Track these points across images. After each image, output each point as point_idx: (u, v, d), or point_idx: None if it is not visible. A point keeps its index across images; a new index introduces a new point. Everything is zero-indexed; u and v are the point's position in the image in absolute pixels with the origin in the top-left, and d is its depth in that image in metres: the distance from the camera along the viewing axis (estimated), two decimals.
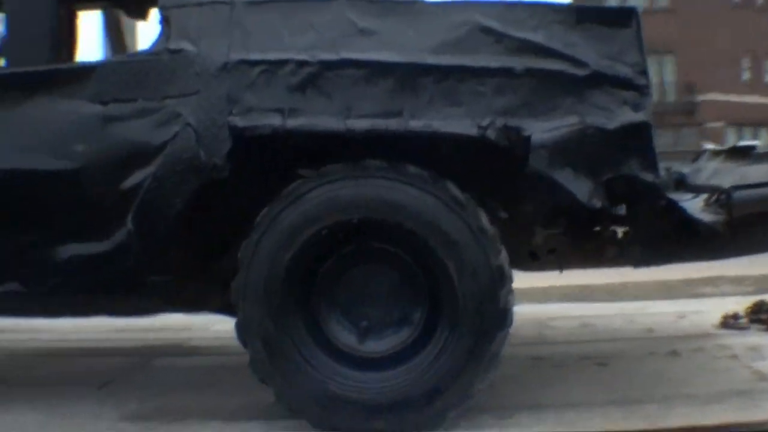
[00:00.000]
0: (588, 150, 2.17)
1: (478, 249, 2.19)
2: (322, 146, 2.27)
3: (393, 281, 2.32)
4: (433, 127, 2.18)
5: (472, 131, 2.16)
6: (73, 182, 2.31)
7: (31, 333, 3.93)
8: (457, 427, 2.25)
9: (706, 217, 2.30)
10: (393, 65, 2.22)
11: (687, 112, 28.04)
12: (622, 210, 2.26)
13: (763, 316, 3.37)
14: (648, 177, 2.17)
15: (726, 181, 2.61)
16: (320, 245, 2.26)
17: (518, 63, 2.20)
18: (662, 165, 2.36)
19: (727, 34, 27.24)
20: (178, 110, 2.25)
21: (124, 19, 3.29)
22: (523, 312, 4.26)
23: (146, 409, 2.62)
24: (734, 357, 2.91)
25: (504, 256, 2.23)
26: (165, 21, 2.35)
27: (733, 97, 27.95)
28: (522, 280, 4.31)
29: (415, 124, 2.18)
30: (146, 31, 3.21)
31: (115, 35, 3.28)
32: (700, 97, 28.29)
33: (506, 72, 2.20)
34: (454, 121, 2.18)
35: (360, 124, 2.20)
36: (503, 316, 2.20)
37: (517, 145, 2.16)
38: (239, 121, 2.22)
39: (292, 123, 2.21)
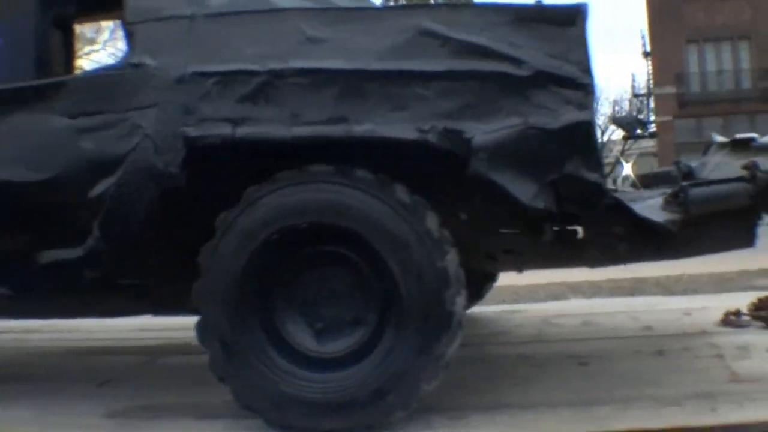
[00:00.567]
0: (531, 151, 2.07)
1: (422, 252, 2.13)
2: (281, 153, 2.26)
3: (347, 283, 2.28)
4: (375, 132, 2.13)
5: (414, 135, 2.10)
6: (47, 192, 2.36)
7: (38, 333, 4.02)
8: (407, 428, 2.18)
9: (660, 216, 2.17)
10: (339, 72, 2.17)
11: (763, 99, 26.79)
12: (571, 210, 2.16)
13: (764, 313, 3.16)
14: (592, 176, 2.06)
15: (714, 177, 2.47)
16: (274, 249, 2.24)
17: (461, 66, 2.13)
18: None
19: None
20: (138, 122, 2.26)
21: None
22: (538, 309, 4.24)
23: (134, 406, 2.62)
24: (719, 357, 2.73)
25: (451, 259, 2.16)
26: (130, 36, 2.38)
27: None
28: (573, 274, 4.26)
29: (358, 130, 2.14)
30: None
31: None
32: None
33: (449, 75, 2.13)
34: (397, 126, 2.12)
35: (305, 131, 2.16)
36: (449, 318, 2.13)
37: (459, 147, 2.09)
38: (192, 131, 2.22)
39: (241, 132, 2.19)
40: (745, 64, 27.78)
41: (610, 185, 3.37)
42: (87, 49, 21.44)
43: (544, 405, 2.33)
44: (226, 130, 2.19)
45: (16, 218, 2.42)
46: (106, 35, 22.28)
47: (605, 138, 35.37)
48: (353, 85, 2.16)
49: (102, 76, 2.40)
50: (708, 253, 2.45)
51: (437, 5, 2.26)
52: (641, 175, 2.92)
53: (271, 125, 2.18)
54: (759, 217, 2.27)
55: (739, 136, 2.88)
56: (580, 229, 2.34)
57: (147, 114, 2.26)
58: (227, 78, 2.23)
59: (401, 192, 2.16)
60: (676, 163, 3.03)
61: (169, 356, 3.52)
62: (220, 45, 2.28)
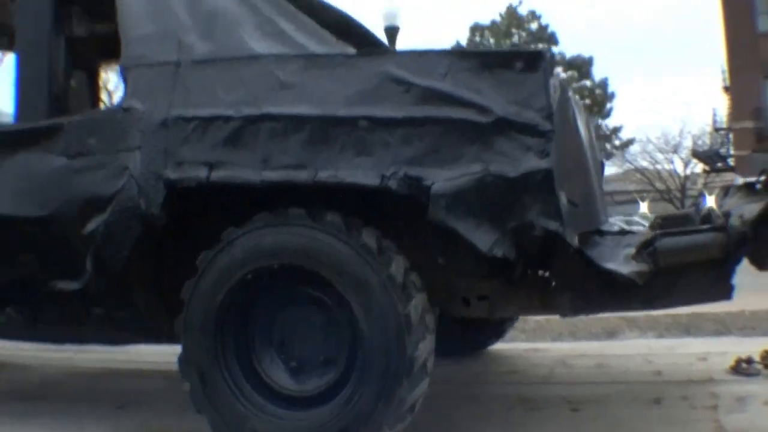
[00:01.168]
0: (491, 198, 1.97)
1: (385, 296, 2.05)
2: (261, 195, 2.23)
3: (320, 324, 2.22)
4: (338, 177, 2.07)
5: (375, 181, 2.04)
6: (49, 227, 2.41)
7: (60, 352, 3.99)
8: None
9: (630, 266, 2.02)
10: (307, 118, 2.13)
11: None
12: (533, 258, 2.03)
13: None
14: (552, 225, 1.94)
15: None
16: (249, 288, 2.21)
17: (424, 112, 2.05)
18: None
19: None
20: (125, 163, 2.28)
21: None
22: (560, 348, 4.04)
23: (146, 430, 2.65)
24: (712, 408, 2.51)
25: (415, 304, 2.07)
26: (125, 80, 2.41)
27: None
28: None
29: (323, 175, 2.09)
30: None
31: None
32: None
33: (413, 121, 2.05)
34: (360, 172, 2.06)
35: (274, 176, 2.13)
36: (410, 364, 2.03)
37: (419, 194, 2.00)
38: (171, 174, 2.22)
39: (216, 175, 2.18)
40: None
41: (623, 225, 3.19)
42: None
43: None
44: (202, 173, 2.19)
45: (25, 250, 2.47)
46: None
47: (688, 171, 34.05)
48: (321, 130, 2.12)
49: (96, 118, 2.44)
50: (683, 305, 2.27)
51: (403, 51, 2.19)
52: (661, 216, 2.72)
53: (243, 169, 2.16)
54: (734, 268, 2.08)
55: (748, 179, 2.67)
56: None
57: (133, 156, 2.28)
58: (206, 123, 2.22)
59: (368, 236, 2.09)
60: (696, 205, 2.84)
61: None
62: (201, 90, 2.28)
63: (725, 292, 2.11)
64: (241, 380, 2.22)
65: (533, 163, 1.95)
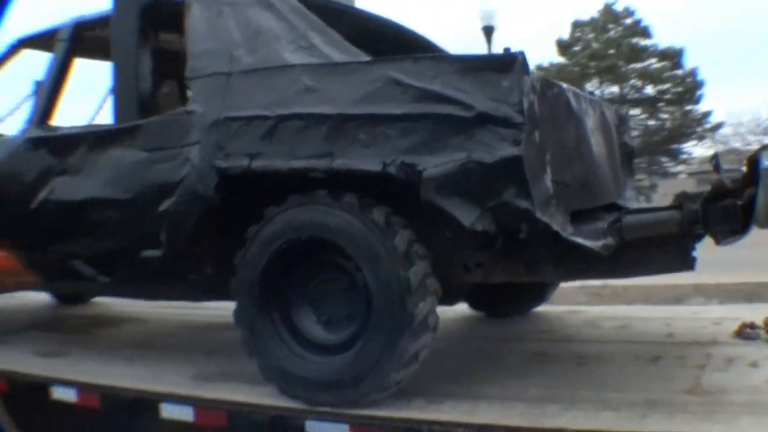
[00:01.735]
0: (472, 181, 2.20)
1: (389, 264, 2.33)
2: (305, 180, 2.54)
3: (343, 286, 2.52)
4: (349, 165, 2.36)
5: (378, 168, 2.31)
6: (134, 207, 2.85)
7: (170, 308, 4.46)
8: (388, 405, 2.40)
9: (599, 240, 2.20)
10: (327, 116, 2.43)
11: None
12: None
13: None
14: (523, 204, 2.15)
15: None
16: (285, 255, 2.55)
17: (418, 109, 2.30)
18: None
19: None
20: (188, 156, 2.67)
21: None
22: (597, 311, 4.17)
23: (219, 372, 3.00)
24: (700, 367, 2.62)
25: (416, 270, 2.33)
26: (190, 88, 2.80)
27: None
28: (703, 277, 4.13)
29: (336, 163, 2.38)
30: None
31: None
32: None
33: (409, 117, 2.31)
34: (367, 160, 2.34)
35: (299, 164, 2.45)
36: (411, 319, 2.31)
37: (413, 178, 2.27)
38: (222, 163, 2.58)
39: (255, 164, 2.52)
40: None
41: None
42: None
43: (509, 398, 2.43)
44: (244, 162, 2.53)
45: (119, 226, 2.93)
46: None
47: None
48: (336, 126, 2.40)
49: (168, 120, 2.82)
50: (651, 274, 2.40)
51: (402, 57, 2.43)
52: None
53: (275, 159, 2.49)
54: (694, 243, 2.21)
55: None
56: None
57: (194, 149, 2.66)
58: (248, 121, 2.56)
59: (378, 214, 2.37)
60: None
61: None
62: (245, 95, 2.61)
63: (687, 263, 2.24)
64: (282, 330, 2.56)
65: (507, 150, 2.16)
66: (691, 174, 28.56)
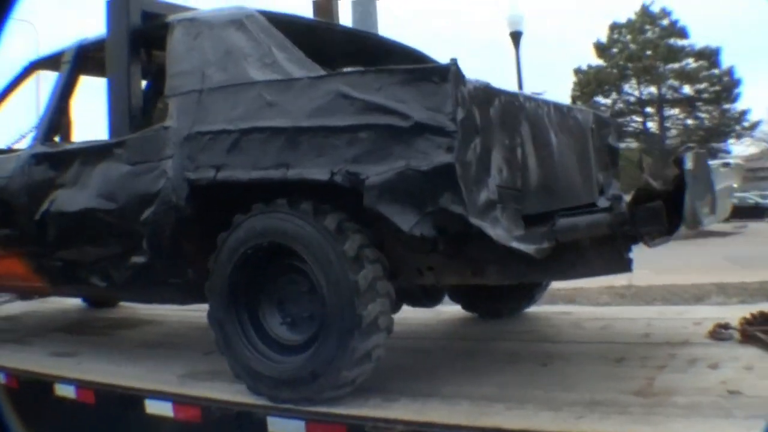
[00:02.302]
0: (411, 188, 2.21)
1: (339, 267, 2.35)
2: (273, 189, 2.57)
3: (305, 288, 2.55)
4: (301, 174, 2.40)
5: (327, 176, 2.34)
6: (120, 216, 2.94)
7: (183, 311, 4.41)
8: (344, 403, 2.41)
9: (529, 243, 2.17)
10: (283, 129, 2.47)
11: None
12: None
13: (747, 329, 2.83)
14: (457, 209, 2.14)
15: None
16: (251, 260, 2.59)
17: (363, 120, 2.32)
18: None
19: None
20: (164, 168, 2.75)
21: None
22: (589, 312, 4.10)
23: (199, 371, 3.07)
24: (659, 368, 2.55)
25: (365, 274, 2.34)
26: (168, 105, 2.87)
27: None
28: (727, 276, 4.00)
29: (291, 173, 2.42)
30: None
31: None
32: None
33: (354, 128, 2.33)
34: (317, 169, 2.37)
35: (258, 174, 2.49)
36: (360, 320, 2.32)
37: (357, 186, 2.28)
38: (192, 175, 2.65)
39: (220, 175, 2.58)
40: None
41: None
42: None
43: (460, 397, 2.41)
44: (211, 174, 2.60)
45: (109, 234, 3.03)
46: None
47: None
48: (291, 138, 2.44)
49: (148, 135, 2.90)
50: (590, 276, 2.34)
51: (350, 71, 2.44)
52: None
53: (238, 170, 2.54)
54: (628, 244, 2.15)
55: None
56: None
57: (169, 162, 2.73)
58: (215, 135, 2.62)
59: (330, 220, 2.39)
60: None
61: None
62: (213, 111, 2.68)
63: (623, 265, 2.19)
64: (249, 331, 2.61)
65: (441, 158, 2.16)
66: None
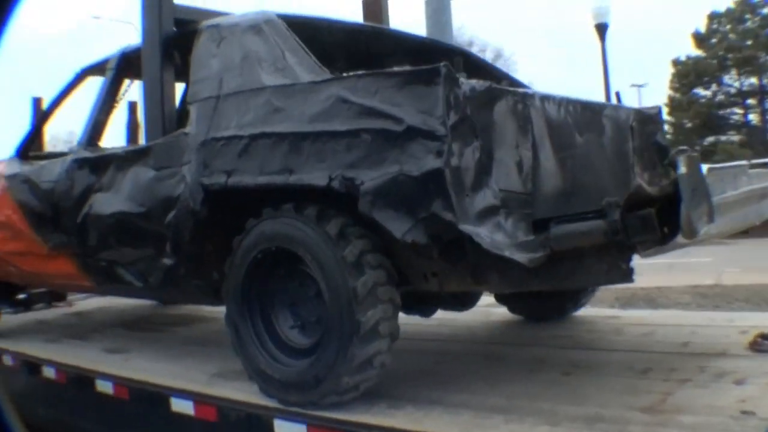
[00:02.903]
0: (404, 194, 2.15)
1: (339, 273, 2.33)
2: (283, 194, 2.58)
3: (313, 292, 2.53)
4: (302, 180, 2.39)
5: (324, 182, 2.32)
6: (148, 219, 3.04)
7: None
8: (350, 408, 2.40)
9: (524, 252, 2.05)
10: (288, 134, 2.47)
11: None
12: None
13: None
14: (447, 216, 2.07)
15: None
16: (262, 264, 2.61)
17: (360, 124, 2.28)
18: None
19: None
20: (183, 173, 2.82)
21: None
22: (637, 317, 3.88)
23: (227, 370, 3.10)
24: (682, 381, 2.38)
25: (365, 280, 2.30)
26: (189, 112, 2.94)
27: None
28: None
29: (292, 178, 2.41)
30: None
31: None
32: None
33: (352, 133, 2.29)
34: (316, 174, 2.35)
35: (264, 180, 2.51)
36: (359, 326, 2.29)
37: (353, 191, 2.25)
38: (206, 180, 2.70)
39: (231, 180, 2.61)
40: None
41: None
42: None
43: (466, 406, 2.34)
44: (222, 179, 2.63)
45: (140, 236, 3.14)
46: None
47: None
48: (294, 143, 2.44)
49: (170, 141, 2.97)
50: (591, 284, 2.18)
51: (349, 76, 2.40)
52: None
53: (246, 175, 2.57)
54: (626, 253, 1.98)
55: None
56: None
57: (188, 167, 2.80)
58: (227, 140, 2.66)
59: (332, 225, 2.37)
60: None
61: None
62: (227, 116, 2.71)
63: (624, 274, 2.02)
64: (262, 333, 2.63)
65: (431, 163, 2.08)
66: None
